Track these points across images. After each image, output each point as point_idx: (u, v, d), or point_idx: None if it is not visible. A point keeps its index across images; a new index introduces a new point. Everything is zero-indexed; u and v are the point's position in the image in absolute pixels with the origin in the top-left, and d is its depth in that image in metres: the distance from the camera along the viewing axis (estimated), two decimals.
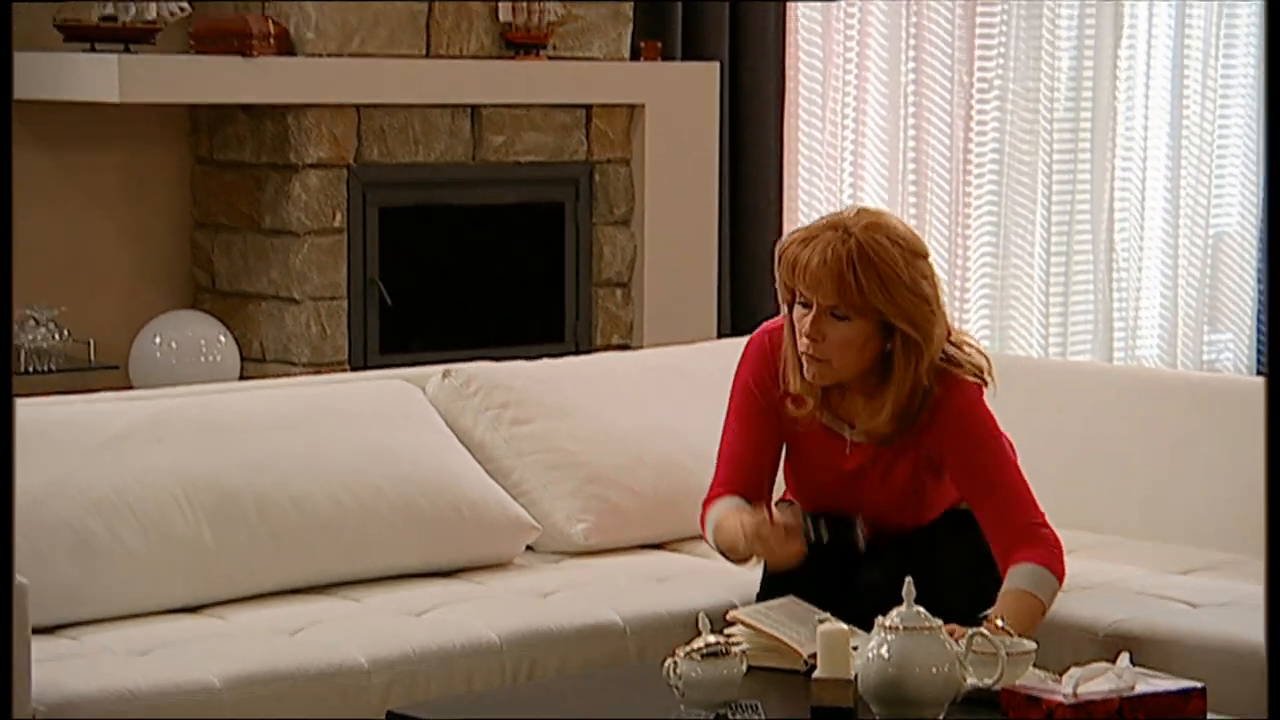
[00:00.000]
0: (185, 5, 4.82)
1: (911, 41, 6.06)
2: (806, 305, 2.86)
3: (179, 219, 5.08)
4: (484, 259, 5.25)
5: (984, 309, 6.28)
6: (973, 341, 2.98)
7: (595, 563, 3.44)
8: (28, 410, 3.26)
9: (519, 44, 5.15)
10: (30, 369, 4.63)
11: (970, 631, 2.56)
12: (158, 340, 4.84)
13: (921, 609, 2.52)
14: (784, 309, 2.94)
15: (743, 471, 3.02)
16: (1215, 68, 6.57)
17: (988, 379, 2.96)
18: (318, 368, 4.91)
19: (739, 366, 3.05)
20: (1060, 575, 2.90)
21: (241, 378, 4.88)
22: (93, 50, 4.71)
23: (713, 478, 3.07)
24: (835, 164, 5.99)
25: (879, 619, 2.54)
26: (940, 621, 2.53)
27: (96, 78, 4.63)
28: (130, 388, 4.69)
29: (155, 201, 5.03)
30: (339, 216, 4.95)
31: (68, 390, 4.07)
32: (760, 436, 3.00)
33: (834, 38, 5.94)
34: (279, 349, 4.97)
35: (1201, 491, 3.58)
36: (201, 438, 3.26)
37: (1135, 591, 3.27)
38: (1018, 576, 2.86)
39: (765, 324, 3.06)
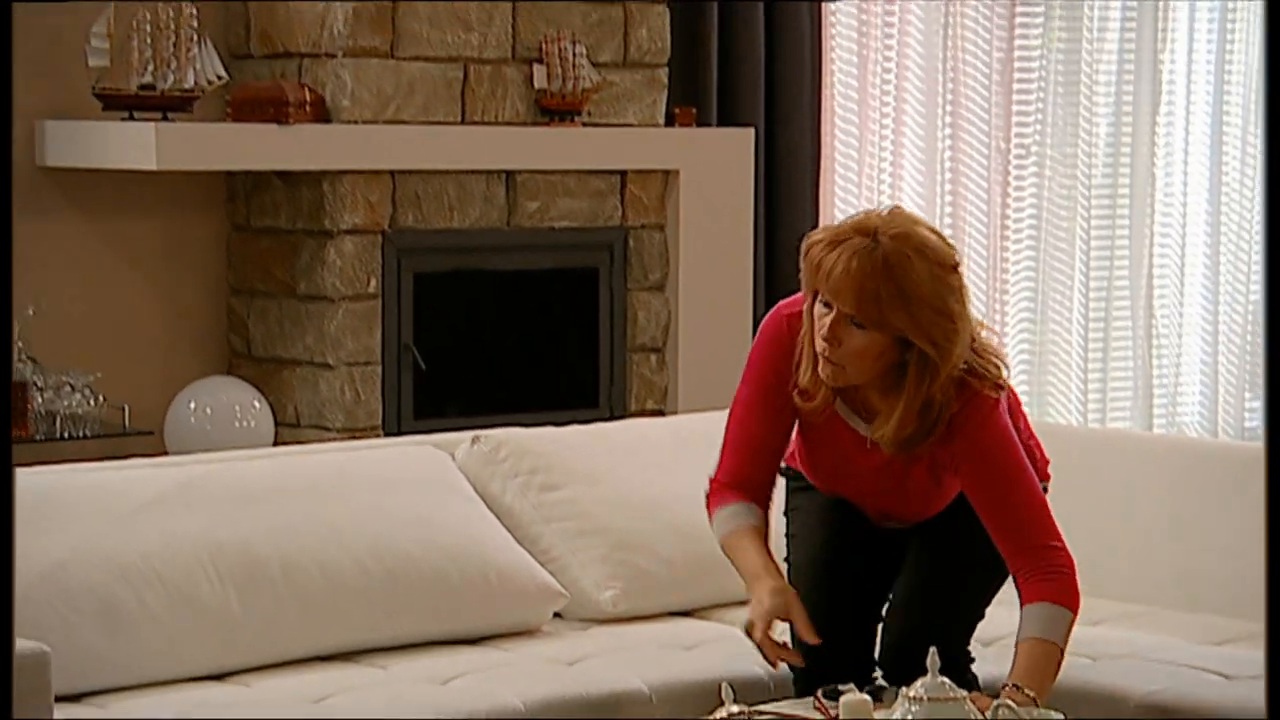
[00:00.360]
0: (223, 74, 4.86)
1: (948, 108, 6.06)
2: (827, 305, 2.81)
3: (215, 285, 5.10)
4: (519, 324, 5.25)
5: (1022, 375, 6.25)
6: (994, 346, 2.90)
7: (623, 630, 3.42)
8: (56, 477, 3.27)
9: (554, 110, 5.17)
10: (66, 435, 4.65)
11: (995, 703, 2.52)
12: (192, 406, 4.85)
13: (946, 679, 2.49)
14: (805, 300, 2.88)
15: (751, 464, 2.97)
16: (1255, 133, 6.54)
17: (1005, 385, 2.90)
18: (352, 433, 4.91)
19: (755, 348, 2.99)
20: (1074, 605, 2.83)
21: (276, 443, 4.89)
22: (131, 119, 4.75)
23: (720, 459, 3.02)
24: None
25: (904, 689, 2.51)
26: (965, 692, 2.50)
27: (134, 146, 4.67)
28: (165, 454, 4.70)
29: (192, 268, 5.06)
30: (373, 282, 4.97)
31: (103, 456, 4.09)
32: (771, 428, 2.96)
33: (869, 103, 5.94)
34: (313, 414, 4.99)
35: (1239, 561, 3.53)
36: (230, 505, 3.26)
37: (1168, 662, 3.23)
38: (1032, 622, 2.80)
39: (782, 304, 2.98)
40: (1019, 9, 6.12)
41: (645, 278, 5.37)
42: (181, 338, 5.05)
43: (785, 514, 3.12)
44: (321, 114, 4.89)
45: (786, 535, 3.10)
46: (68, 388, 4.71)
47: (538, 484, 3.56)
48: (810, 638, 2.84)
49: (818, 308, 2.82)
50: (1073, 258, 6.29)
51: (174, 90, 4.78)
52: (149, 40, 4.76)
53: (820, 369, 2.83)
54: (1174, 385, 6.52)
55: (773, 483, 3.02)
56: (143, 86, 4.77)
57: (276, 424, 4.96)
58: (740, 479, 2.98)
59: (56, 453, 4.51)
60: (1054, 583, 2.81)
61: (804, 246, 2.84)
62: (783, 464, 3.08)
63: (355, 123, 4.91)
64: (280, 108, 4.79)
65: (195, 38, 4.80)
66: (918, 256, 2.75)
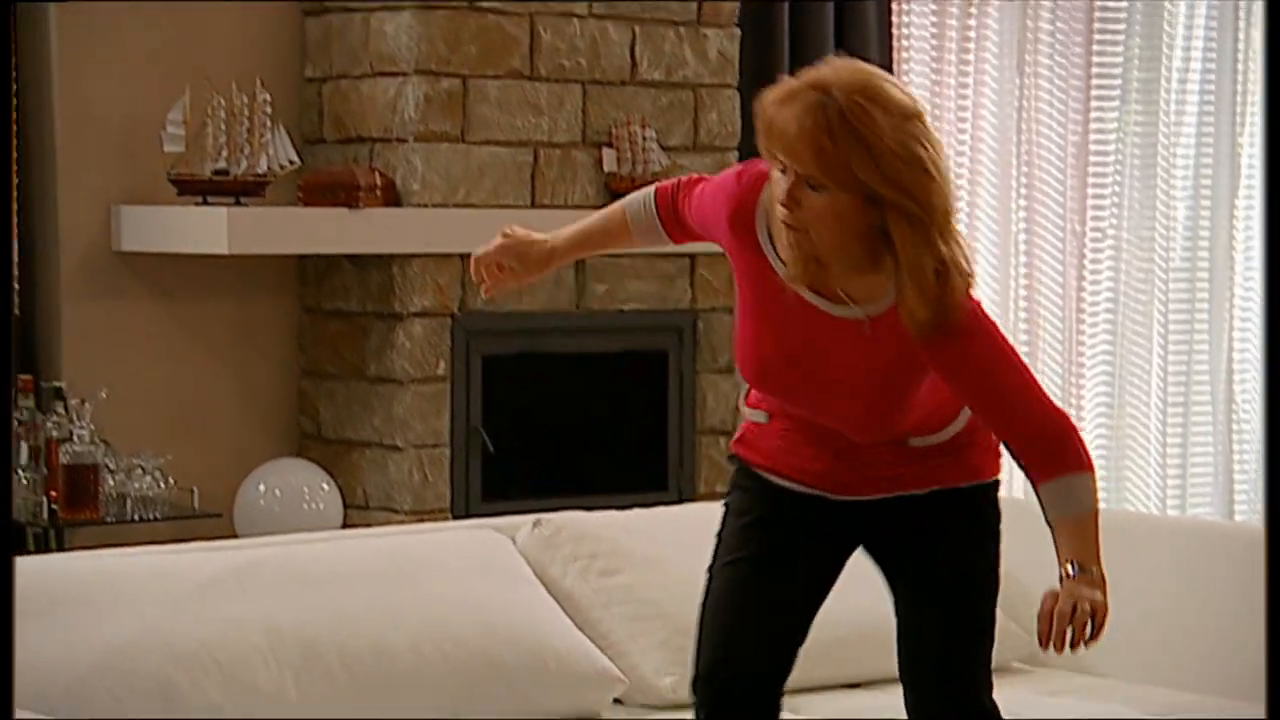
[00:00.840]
0: (295, 159, 4.91)
1: (1023, 191, 6.02)
2: (785, 170, 2.60)
3: (285, 367, 5.13)
4: (587, 407, 5.24)
5: (1099, 462, 6.16)
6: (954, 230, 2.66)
7: (684, 716, 3.37)
8: (114, 561, 3.28)
9: (624, 194, 5.16)
10: (136, 517, 4.67)
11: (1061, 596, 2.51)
12: (262, 488, 4.86)
13: None
14: (768, 166, 2.66)
15: (686, 205, 2.85)
16: None
17: (972, 270, 2.65)
18: (420, 515, 4.91)
19: (718, 186, 2.78)
20: (1087, 465, 2.66)
21: (344, 525, 4.90)
22: (204, 203, 4.80)
23: (667, 183, 2.92)
24: None
25: None
26: None
27: (206, 230, 4.71)
28: (234, 535, 4.71)
29: (262, 350, 5.09)
30: (442, 365, 4.98)
31: (173, 539, 4.10)
32: (701, 220, 2.82)
33: None
34: (382, 497, 4.99)
35: None
36: (288, 588, 3.25)
37: None
38: (1056, 500, 2.63)
39: (755, 165, 2.70)
40: (1094, 91, 6.09)
41: (714, 360, 5.35)
42: (252, 419, 5.08)
43: (723, 505, 2.90)
44: (392, 198, 4.93)
45: (717, 536, 2.87)
46: (139, 470, 4.73)
47: (598, 568, 3.54)
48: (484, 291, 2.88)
49: (774, 173, 2.62)
50: (1150, 342, 6.22)
51: (247, 175, 4.83)
52: (223, 126, 4.82)
53: (785, 238, 2.62)
54: (1257, 472, 6.41)
55: (687, 230, 2.90)
56: (217, 172, 4.82)
57: (345, 506, 4.97)
58: (674, 207, 2.89)
59: (127, 535, 4.53)
60: (1060, 453, 2.64)
61: (756, 108, 2.64)
62: (730, 450, 2.90)
63: (425, 206, 4.94)
64: (351, 192, 4.83)
65: (269, 123, 4.86)
66: (874, 106, 2.54)
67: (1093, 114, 6.09)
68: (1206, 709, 3.49)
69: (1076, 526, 2.63)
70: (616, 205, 2.97)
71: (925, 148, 2.56)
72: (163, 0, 4.90)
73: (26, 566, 3.37)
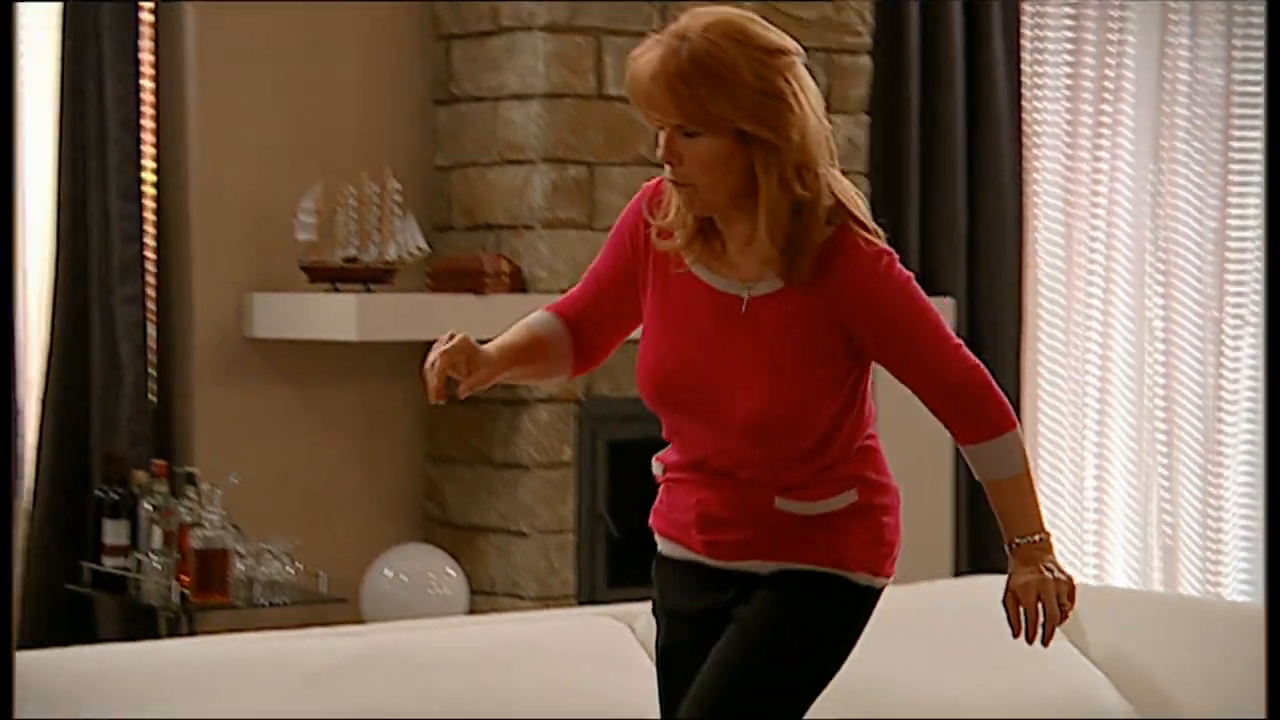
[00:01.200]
0: (424, 245, 4.96)
1: (1159, 276, 5.93)
2: (661, 127, 2.53)
3: (413, 453, 5.16)
4: None
5: (1242, 556, 6.01)
6: (838, 175, 2.57)
7: None
8: (239, 645, 3.30)
9: None
10: (265, 602, 4.70)
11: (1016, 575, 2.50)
12: (389, 573, 4.88)
13: None
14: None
15: (582, 291, 2.77)
16: None
17: (863, 219, 2.54)
18: (545, 602, 4.90)
19: (623, 215, 2.77)
20: (1010, 424, 2.58)
21: (471, 611, 4.90)
22: (335, 290, 4.86)
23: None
24: (1078, 402, 5.84)
25: None
26: None
27: (336, 317, 4.77)
28: (361, 621, 4.73)
29: (391, 436, 5.12)
30: (567, 450, 4.98)
31: (300, 624, 4.12)
32: (609, 272, 2.74)
33: (1076, 271, 5.84)
34: (507, 583, 4.98)
35: None
36: (404, 676, 3.25)
37: None
38: (984, 462, 2.57)
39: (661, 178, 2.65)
40: (1232, 175, 6.00)
41: None
42: (379, 505, 5.11)
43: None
44: (518, 284, 4.95)
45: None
46: (267, 555, 4.76)
47: None
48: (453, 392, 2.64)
49: (660, 135, 2.56)
50: None
51: (377, 262, 4.89)
52: (354, 214, 4.89)
53: (677, 199, 2.56)
54: None
55: (593, 322, 2.76)
56: (347, 259, 4.88)
57: (471, 592, 4.97)
58: (566, 301, 2.79)
59: (256, 619, 4.56)
60: (985, 414, 2.57)
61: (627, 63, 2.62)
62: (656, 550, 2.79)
63: (551, 293, 4.96)
64: (478, 278, 4.87)
65: (398, 211, 4.91)
66: (731, 43, 2.48)
67: (1231, 198, 5.99)
68: None
69: (1012, 490, 2.58)
70: (522, 320, 2.81)
71: (789, 82, 2.51)
72: (296, 90, 5.00)
73: (154, 651, 3.41)
